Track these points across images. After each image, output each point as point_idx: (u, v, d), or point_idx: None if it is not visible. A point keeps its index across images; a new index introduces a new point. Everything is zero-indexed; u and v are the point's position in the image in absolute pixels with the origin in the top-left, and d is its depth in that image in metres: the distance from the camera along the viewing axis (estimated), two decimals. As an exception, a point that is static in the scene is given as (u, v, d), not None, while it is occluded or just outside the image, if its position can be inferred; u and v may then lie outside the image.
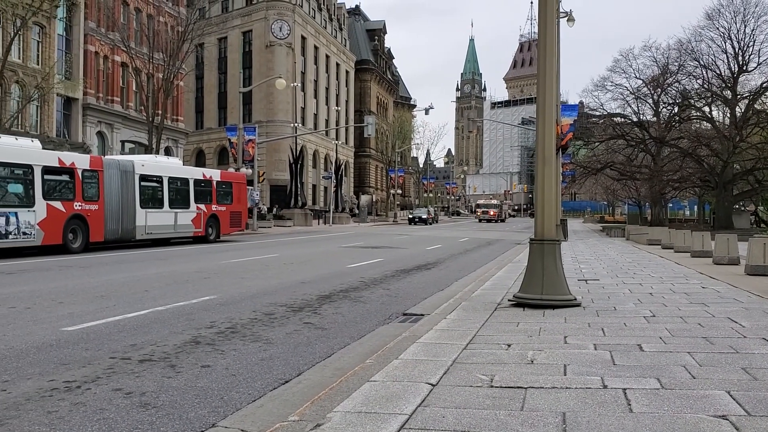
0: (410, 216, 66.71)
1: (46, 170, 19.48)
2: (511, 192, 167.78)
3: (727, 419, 3.91)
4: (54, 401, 4.86)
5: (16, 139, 20.27)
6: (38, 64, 37.57)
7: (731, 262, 16.41)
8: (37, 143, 20.64)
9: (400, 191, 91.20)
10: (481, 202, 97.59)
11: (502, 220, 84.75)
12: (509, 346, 6.17)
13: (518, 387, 4.68)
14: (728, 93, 45.48)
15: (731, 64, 44.67)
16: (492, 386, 4.71)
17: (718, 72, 45.28)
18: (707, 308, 8.57)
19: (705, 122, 49.39)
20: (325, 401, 4.41)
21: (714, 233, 21.39)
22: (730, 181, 45.52)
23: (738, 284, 11.54)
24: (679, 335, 6.65)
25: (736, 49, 43.98)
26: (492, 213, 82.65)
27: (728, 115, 47.26)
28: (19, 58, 36.28)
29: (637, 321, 7.57)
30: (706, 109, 48.89)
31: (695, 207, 75.55)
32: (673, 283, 11.82)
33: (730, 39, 43.81)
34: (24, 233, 18.54)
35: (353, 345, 7.07)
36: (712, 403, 4.23)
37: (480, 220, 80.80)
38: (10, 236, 18.15)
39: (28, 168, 18.91)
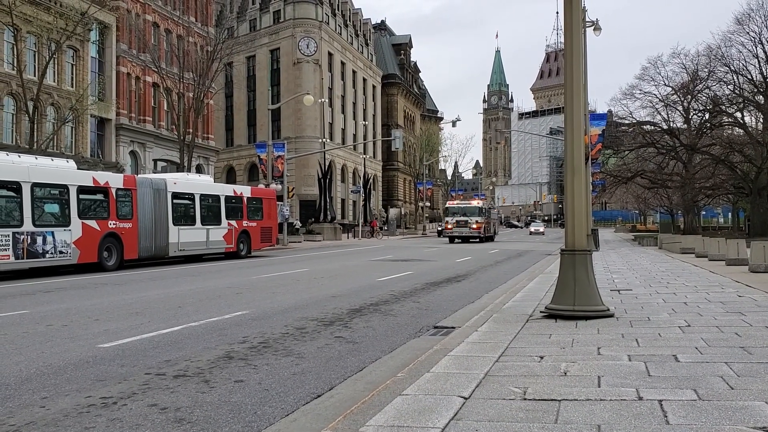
0: (439, 228, 66.34)
1: (81, 190, 19.90)
2: (540, 202, 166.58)
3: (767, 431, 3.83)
4: (91, 417, 4.94)
5: (52, 159, 20.77)
6: (72, 87, 38.45)
7: (768, 270, 16.06)
8: (72, 163, 21.14)
9: (428, 204, 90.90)
10: (452, 204, 50.31)
11: (490, 238, 49.44)
12: (542, 358, 6.11)
13: (552, 399, 4.63)
14: (761, 98, 44.72)
15: (763, 69, 43.95)
16: (525, 399, 4.67)
17: (750, 77, 44.60)
18: (744, 317, 8.40)
19: (737, 128, 48.63)
20: (357, 415, 4.41)
21: (749, 240, 20.99)
22: (765, 187, 44.67)
23: (776, 292, 11.29)
24: (716, 345, 6.52)
25: (768, 54, 43.29)
26: (476, 226, 45.94)
27: (761, 120, 46.43)
28: (54, 81, 37.18)
29: (672, 331, 7.44)
30: (738, 114, 48.14)
31: (729, 214, 74.30)
32: (708, 292, 11.59)
33: (761, 43, 43.14)
34: (60, 252, 18.93)
35: (384, 358, 7.06)
36: (751, 414, 4.14)
37: (451, 240, 47.03)
38: (47, 255, 18.55)
39: (64, 188, 19.34)
